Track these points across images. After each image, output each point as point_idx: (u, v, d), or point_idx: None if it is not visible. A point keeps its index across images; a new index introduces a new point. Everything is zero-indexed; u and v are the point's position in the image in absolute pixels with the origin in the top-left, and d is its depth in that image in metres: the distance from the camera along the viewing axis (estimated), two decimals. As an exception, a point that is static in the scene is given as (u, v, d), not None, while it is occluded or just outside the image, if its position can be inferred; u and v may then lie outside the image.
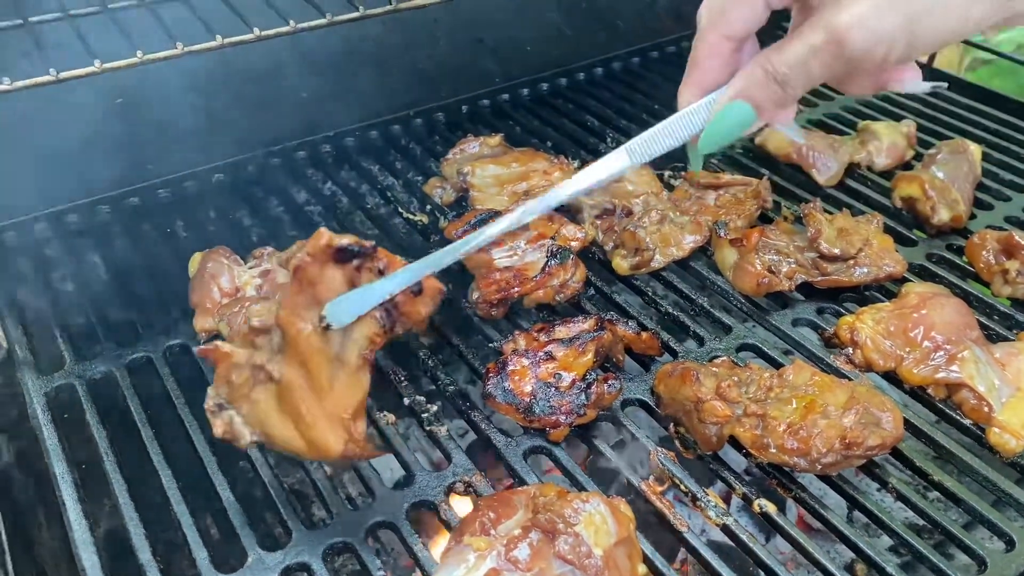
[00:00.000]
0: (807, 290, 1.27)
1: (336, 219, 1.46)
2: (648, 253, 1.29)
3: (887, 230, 1.35)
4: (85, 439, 1.03)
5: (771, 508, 0.97)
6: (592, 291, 1.28)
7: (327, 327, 0.80)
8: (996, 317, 1.24)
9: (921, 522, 1.01)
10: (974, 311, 1.19)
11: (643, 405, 1.11)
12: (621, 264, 1.30)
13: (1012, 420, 1.04)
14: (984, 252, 1.30)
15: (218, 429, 0.86)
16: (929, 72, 1.84)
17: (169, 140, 1.50)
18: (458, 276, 1.31)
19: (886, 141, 1.56)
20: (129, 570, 0.91)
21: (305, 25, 1.27)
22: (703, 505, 0.97)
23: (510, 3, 1.78)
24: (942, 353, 1.10)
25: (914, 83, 0.69)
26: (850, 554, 1.01)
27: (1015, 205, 1.48)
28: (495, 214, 1.29)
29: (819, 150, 1.53)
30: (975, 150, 1.52)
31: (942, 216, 1.37)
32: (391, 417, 1.07)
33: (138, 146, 1.47)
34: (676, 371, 1.06)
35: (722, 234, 1.29)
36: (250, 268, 1.21)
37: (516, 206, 0.98)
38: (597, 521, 0.83)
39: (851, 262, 1.26)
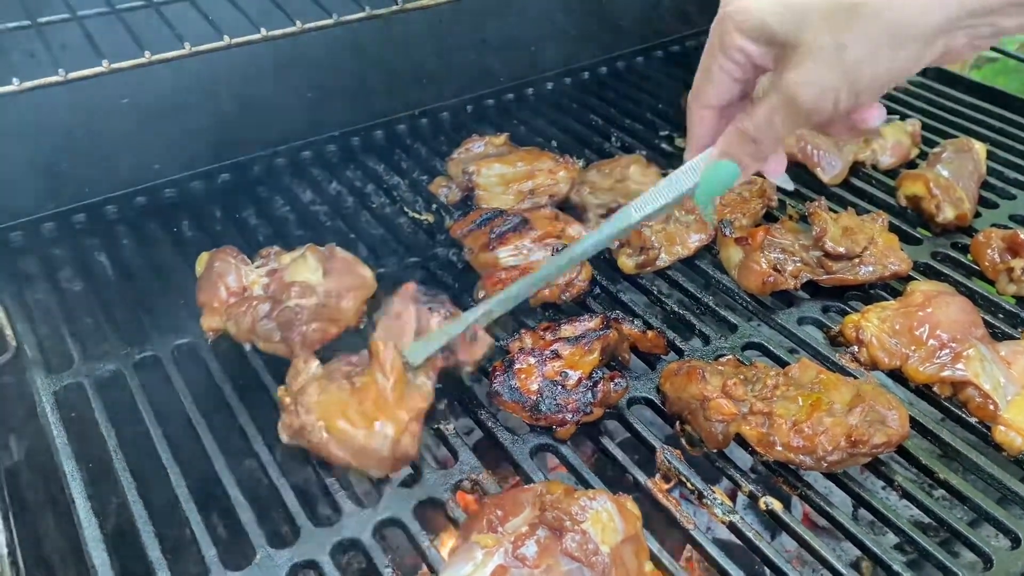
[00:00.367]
0: (812, 288, 1.27)
1: (342, 218, 1.46)
2: (653, 252, 1.29)
3: (892, 229, 1.36)
4: (94, 437, 1.04)
5: (777, 506, 0.97)
6: (598, 290, 1.29)
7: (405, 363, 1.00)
8: (1001, 315, 1.25)
9: (927, 520, 1.01)
10: (979, 309, 1.19)
11: (649, 403, 1.11)
12: (626, 263, 1.30)
13: (1018, 418, 1.04)
14: (989, 250, 1.30)
15: (287, 418, 1.00)
16: (935, 72, 1.84)
17: (175, 140, 1.51)
18: (464, 275, 1.31)
19: (891, 140, 1.56)
20: (138, 568, 0.92)
21: (312, 25, 1.27)
22: (709, 503, 0.97)
23: (515, 3, 1.79)
24: (947, 351, 1.11)
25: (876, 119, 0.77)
26: (855, 552, 1.01)
27: (1020, 203, 1.49)
28: (500, 213, 1.30)
29: (824, 149, 1.53)
30: (980, 149, 1.53)
31: (947, 214, 1.38)
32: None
33: (143, 146, 1.48)
34: (682, 369, 1.06)
35: (727, 233, 1.29)
36: (257, 267, 1.21)
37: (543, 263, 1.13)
38: (604, 519, 0.84)
39: (856, 261, 1.26)
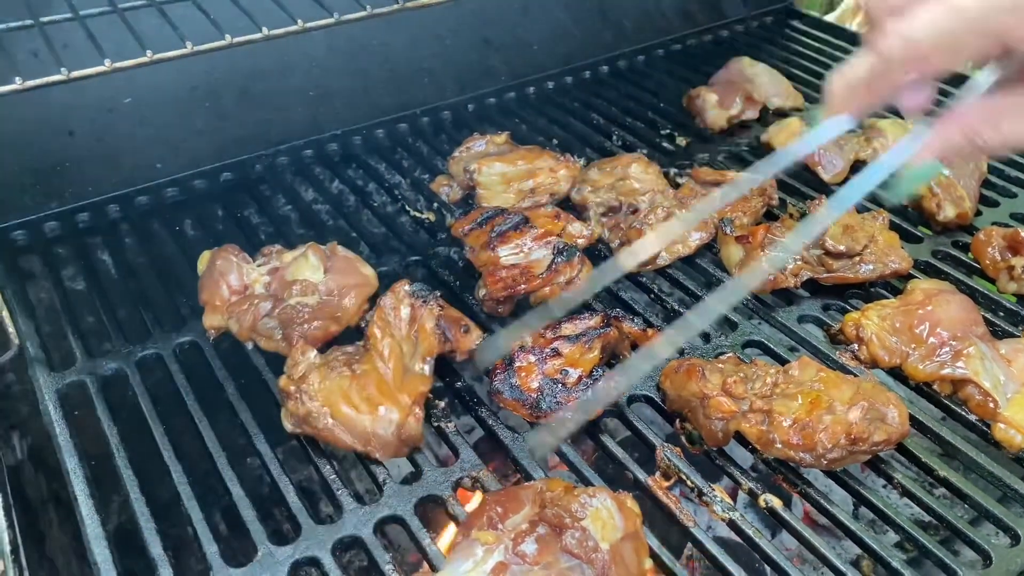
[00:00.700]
0: (813, 287, 1.28)
1: (343, 217, 1.47)
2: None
3: (893, 227, 1.36)
4: (96, 435, 1.04)
5: (777, 503, 0.97)
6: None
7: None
8: (1002, 313, 1.25)
9: (927, 518, 1.01)
10: (980, 307, 1.19)
11: (649, 401, 1.11)
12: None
13: (1018, 416, 1.04)
14: (990, 248, 1.30)
15: (291, 405, 1.01)
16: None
17: (177, 139, 1.51)
18: (465, 273, 1.32)
19: (892, 138, 1.56)
20: (140, 565, 0.92)
21: (313, 24, 1.28)
22: (709, 500, 0.97)
23: (516, 2, 1.79)
24: (947, 349, 1.11)
25: None
26: (856, 550, 1.01)
27: (1021, 202, 1.49)
28: (501, 211, 1.30)
29: (825, 148, 1.53)
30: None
31: (948, 213, 1.38)
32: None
33: (145, 145, 1.48)
34: (682, 367, 1.07)
35: (728, 231, 1.29)
36: (259, 266, 1.22)
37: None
38: (604, 516, 0.84)
39: (856, 259, 1.26)
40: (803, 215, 1.41)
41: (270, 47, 1.53)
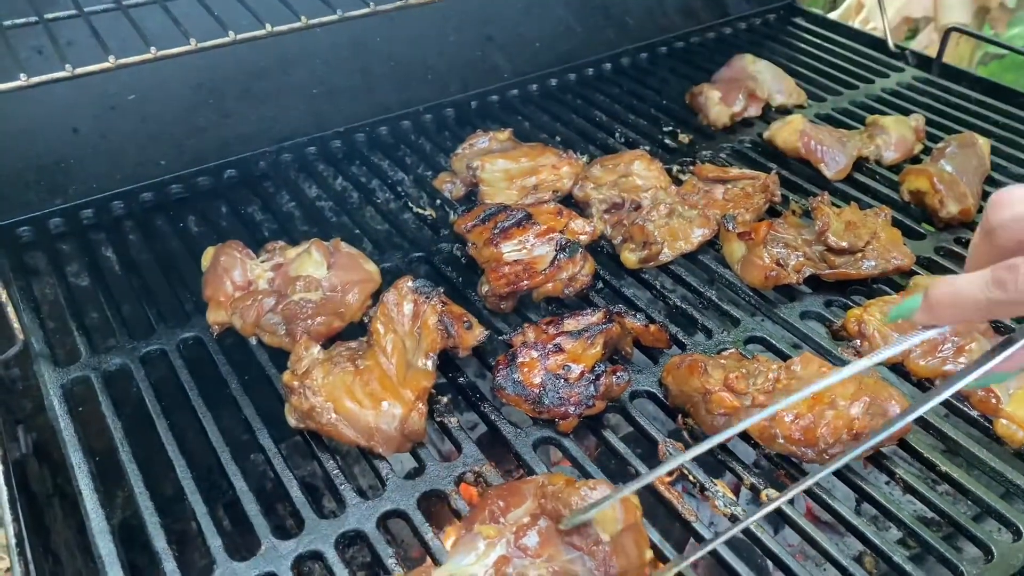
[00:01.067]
0: (815, 283, 1.28)
1: (347, 214, 1.47)
2: (656, 247, 1.29)
3: (895, 224, 1.36)
4: (100, 430, 1.05)
5: (778, 498, 0.97)
6: (601, 284, 1.29)
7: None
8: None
9: (929, 514, 1.01)
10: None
11: (651, 397, 1.11)
12: (629, 258, 1.31)
13: (1019, 411, 1.04)
14: (992, 245, 1.30)
15: (295, 400, 1.01)
16: (939, 67, 1.84)
17: (181, 136, 1.52)
18: (468, 269, 1.32)
19: (894, 135, 1.56)
20: (144, 558, 0.93)
21: (316, 21, 1.28)
22: (711, 495, 0.98)
23: (519, 0, 1.80)
24: (949, 345, 1.11)
25: None
26: (858, 547, 1.01)
27: (1024, 199, 1.48)
28: (503, 208, 1.30)
29: (827, 144, 1.53)
30: (984, 144, 1.53)
31: (950, 209, 1.38)
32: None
33: (149, 142, 1.49)
34: (684, 363, 1.07)
35: (730, 227, 1.30)
36: (262, 262, 1.22)
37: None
38: (605, 508, 0.84)
39: (859, 255, 1.26)
40: (805, 212, 1.41)
41: (273, 44, 1.54)
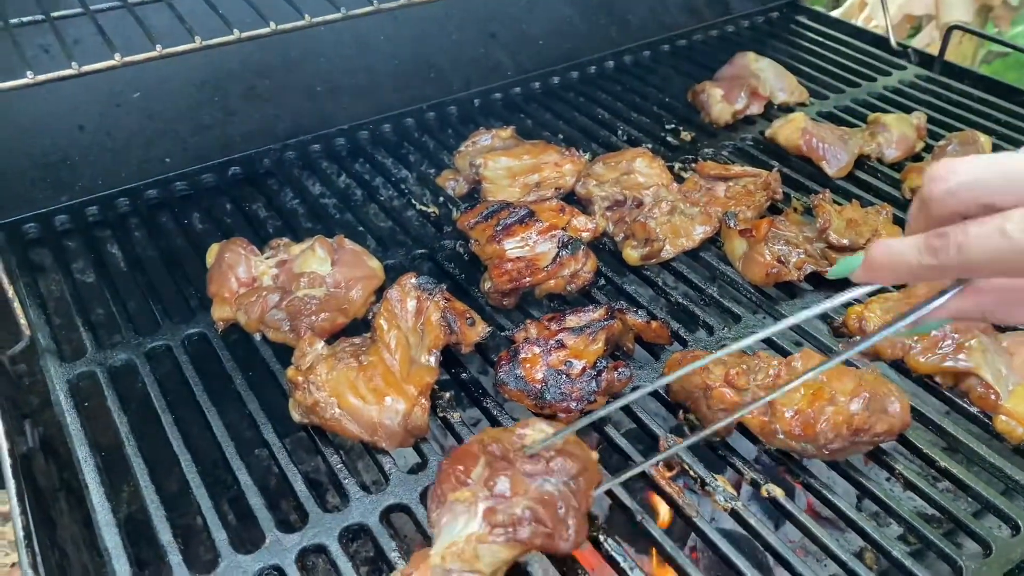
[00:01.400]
0: (816, 280, 1.28)
1: (350, 211, 1.48)
2: (658, 244, 1.30)
3: (897, 221, 1.36)
4: (106, 425, 1.06)
5: (779, 493, 0.98)
6: (603, 281, 1.30)
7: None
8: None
9: (929, 510, 1.02)
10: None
11: (653, 393, 1.12)
12: (631, 254, 1.31)
13: (1019, 407, 1.05)
14: (993, 242, 1.31)
15: (299, 395, 1.02)
16: (941, 65, 1.85)
17: (185, 133, 1.53)
18: (471, 266, 1.33)
19: (896, 133, 1.57)
20: (150, 551, 0.94)
21: (320, 19, 1.29)
22: (712, 489, 0.98)
23: (522, -2, 1.80)
24: (950, 342, 1.11)
25: None
26: (858, 543, 1.02)
27: (1025, 196, 1.48)
28: (506, 205, 1.31)
29: (829, 142, 1.54)
30: (985, 141, 1.53)
31: (952, 207, 1.38)
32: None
33: (154, 140, 1.50)
34: (685, 359, 1.07)
35: (732, 224, 1.30)
36: (267, 258, 1.23)
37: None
38: (540, 432, 0.90)
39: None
40: (807, 209, 1.41)
41: (277, 43, 1.55)
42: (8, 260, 1.27)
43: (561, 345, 1.09)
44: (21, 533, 0.85)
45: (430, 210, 1.47)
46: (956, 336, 1.11)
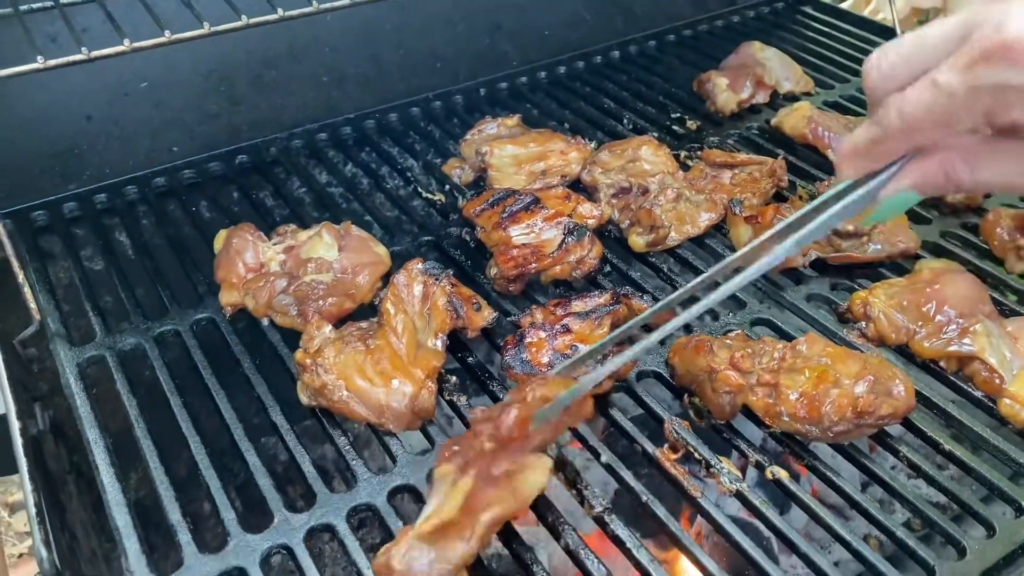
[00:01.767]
0: (821, 267, 1.29)
1: (357, 199, 1.49)
2: (664, 230, 1.30)
3: (902, 208, 1.36)
4: (116, 407, 1.07)
5: (783, 475, 0.99)
6: (608, 268, 1.30)
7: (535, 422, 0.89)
8: (1009, 293, 1.25)
9: (933, 492, 1.02)
10: (987, 287, 1.20)
11: (658, 377, 1.13)
12: (637, 241, 1.32)
13: (1023, 391, 1.05)
14: (999, 229, 1.31)
15: (307, 377, 1.03)
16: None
17: (193, 122, 1.54)
18: (476, 253, 1.33)
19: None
20: (160, 531, 0.95)
21: (327, 6, 1.29)
22: (716, 471, 0.99)
23: (528, -12, 1.81)
24: (954, 327, 1.12)
25: None
26: (862, 529, 1.02)
27: (1031, 184, 1.49)
28: (512, 193, 1.31)
29: (835, 131, 1.54)
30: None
31: (956, 194, 1.38)
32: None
33: (162, 128, 1.51)
34: (691, 343, 1.08)
35: (737, 211, 1.31)
36: (274, 244, 1.24)
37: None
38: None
39: (865, 239, 1.27)
40: (812, 197, 1.41)
41: (284, 32, 1.56)
42: (18, 247, 1.28)
43: (567, 330, 1.10)
44: (33, 511, 0.86)
45: (436, 198, 1.47)
46: (961, 321, 1.12)
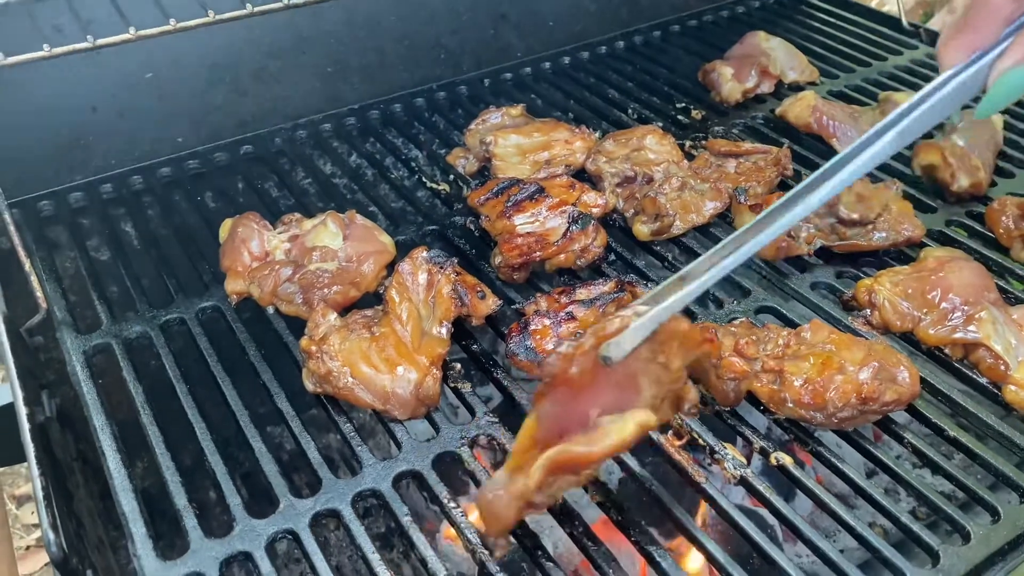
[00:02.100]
0: (826, 255, 1.28)
1: (362, 190, 1.49)
2: (668, 219, 1.30)
3: (907, 197, 1.36)
4: (122, 394, 1.07)
5: (788, 461, 0.99)
6: (613, 257, 1.30)
7: (606, 360, 0.80)
8: (1015, 281, 1.25)
9: (938, 479, 1.02)
10: (993, 275, 1.19)
11: (663, 365, 1.12)
12: (641, 230, 1.32)
13: (1029, 378, 1.05)
14: (1004, 217, 1.31)
15: (312, 364, 1.03)
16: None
17: (198, 113, 1.54)
18: (481, 242, 1.33)
19: (908, 110, 1.56)
20: (166, 516, 0.95)
21: (332, -5, 1.29)
22: (721, 457, 0.99)
23: (532, -22, 1.80)
24: (959, 314, 1.11)
25: None
26: (868, 517, 1.02)
27: (1037, 173, 1.49)
28: (516, 182, 1.31)
29: (840, 120, 1.53)
30: (997, 119, 1.52)
31: (961, 183, 1.38)
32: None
33: (167, 119, 1.51)
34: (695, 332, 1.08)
35: (742, 200, 1.30)
36: (279, 233, 1.24)
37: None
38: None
39: (870, 227, 1.27)
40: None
41: (288, 24, 1.56)
42: (24, 236, 1.28)
43: (571, 317, 1.10)
44: (41, 495, 0.87)
45: (440, 188, 1.47)
46: (966, 308, 1.12)
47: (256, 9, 1.22)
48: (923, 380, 1.06)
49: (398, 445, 1.01)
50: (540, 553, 0.90)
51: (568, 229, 1.24)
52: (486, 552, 0.90)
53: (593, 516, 0.98)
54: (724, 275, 0.80)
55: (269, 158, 1.54)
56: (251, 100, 1.59)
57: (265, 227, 1.24)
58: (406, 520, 0.92)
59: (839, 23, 1.96)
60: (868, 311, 1.16)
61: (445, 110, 1.69)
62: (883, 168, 1.49)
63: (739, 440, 1.06)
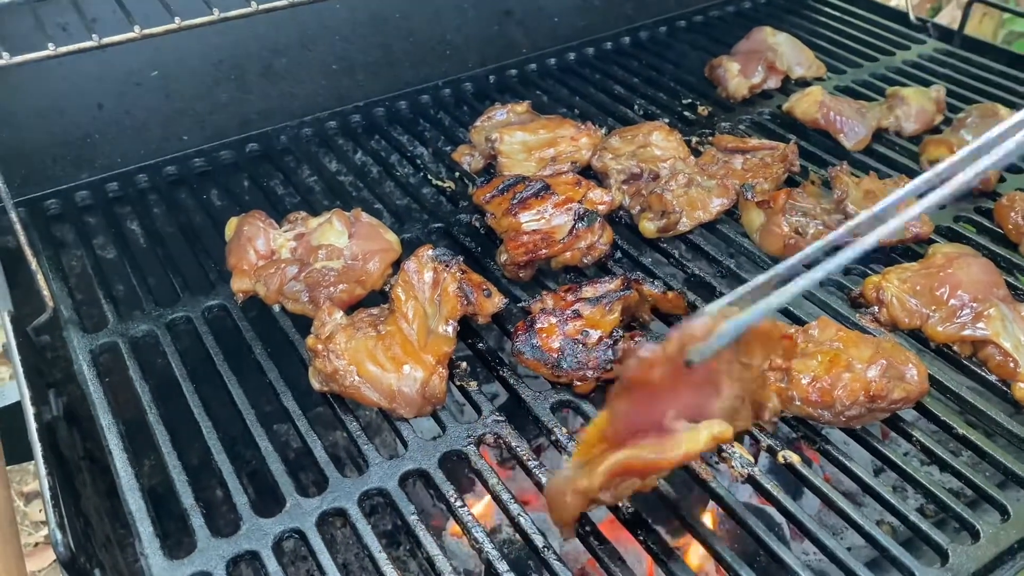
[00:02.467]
0: (833, 251, 1.27)
1: (367, 187, 1.49)
2: (675, 216, 1.30)
3: (915, 193, 1.35)
4: (128, 392, 1.07)
5: (795, 459, 0.98)
6: (619, 254, 1.30)
7: (690, 362, 0.78)
8: (1024, 278, 1.25)
9: (947, 477, 1.02)
10: (1002, 271, 1.19)
11: (669, 362, 1.12)
12: (648, 227, 1.31)
13: (1038, 375, 1.04)
14: (1013, 213, 1.30)
15: (319, 363, 1.03)
16: (961, 39, 1.83)
17: (203, 111, 1.54)
18: (487, 239, 1.33)
19: (915, 106, 1.56)
20: (173, 515, 0.95)
21: (336, -7, 1.29)
22: (728, 455, 0.98)
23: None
24: (968, 311, 1.11)
25: None
26: (876, 515, 1.02)
27: (1046, 169, 1.48)
28: (522, 179, 1.31)
29: (847, 115, 1.53)
30: (1006, 114, 1.51)
31: (971, 179, 1.37)
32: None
33: (172, 117, 1.51)
34: (702, 328, 1.07)
35: (749, 196, 1.30)
36: (285, 232, 1.24)
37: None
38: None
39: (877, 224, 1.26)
40: (824, 182, 1.41)
41: (293, 22, 1.56)
42: (31, 235, 1.29)
43: (577, 315, 1.09)
44: (48, 495, 0.87)
45: (446, 185, 1.47)
46: (975, 305, 1.11)
47: (261, 7, 1.22)
48: (931, 377, 1.05)
49: (404, 443, 1.01)
50: (547, 551, 0.90)
51: (574, 226, 1.23)
52: (492, 550, 0.89)
53: (600, 514, 0.98)
54: (824, 276, 0.79)
55: (274, 156, 1.54)
56: (256, 98, 1.59)
57: (271, 225, 1.24)
58: (412, 518, 0.92)
59: (846, 18, 1.95)
60: (876, 308, 1.15)
61: (450, 107, 1.69)
62: (892, 165, 1.48)
63: (746, 438, 1.05)
